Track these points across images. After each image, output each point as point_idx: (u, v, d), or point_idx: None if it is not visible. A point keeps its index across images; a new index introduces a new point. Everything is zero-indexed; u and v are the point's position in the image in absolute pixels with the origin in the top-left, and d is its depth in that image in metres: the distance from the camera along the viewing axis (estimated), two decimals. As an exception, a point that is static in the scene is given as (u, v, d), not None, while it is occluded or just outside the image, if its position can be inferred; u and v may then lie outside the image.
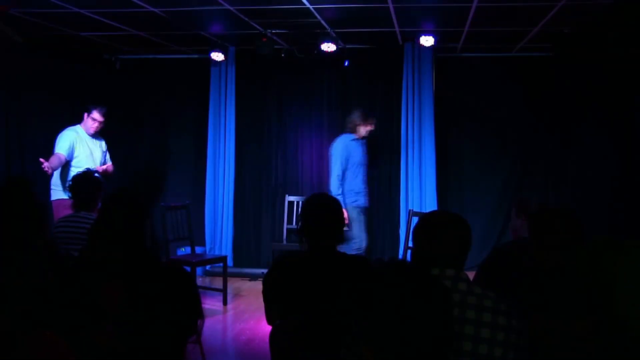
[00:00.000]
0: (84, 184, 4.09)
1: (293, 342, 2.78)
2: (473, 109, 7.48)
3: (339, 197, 6.31)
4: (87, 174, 4.30)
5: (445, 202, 7.32)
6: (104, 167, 6.29)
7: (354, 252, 5.83)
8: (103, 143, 6.45)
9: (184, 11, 5.69)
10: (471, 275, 2.47)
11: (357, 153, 6.52)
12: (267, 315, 2.92)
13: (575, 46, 6.62)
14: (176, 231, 6.63)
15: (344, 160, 6.42)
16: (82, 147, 6.15)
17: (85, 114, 6.19)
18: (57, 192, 5.95)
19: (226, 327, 5.75)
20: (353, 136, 6.50)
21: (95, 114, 6.17)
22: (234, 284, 7.04)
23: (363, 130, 6.48)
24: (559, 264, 2.51)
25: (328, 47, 6.65)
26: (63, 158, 5.96)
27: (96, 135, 6.32)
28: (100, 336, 2.23)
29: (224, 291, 6.29)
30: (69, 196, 4.24)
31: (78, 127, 6.22)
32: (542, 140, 7.35)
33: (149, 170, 8.08)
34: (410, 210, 6.74)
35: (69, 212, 4.13)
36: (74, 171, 5.44)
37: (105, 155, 6.45)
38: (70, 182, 4.23)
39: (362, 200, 6.52)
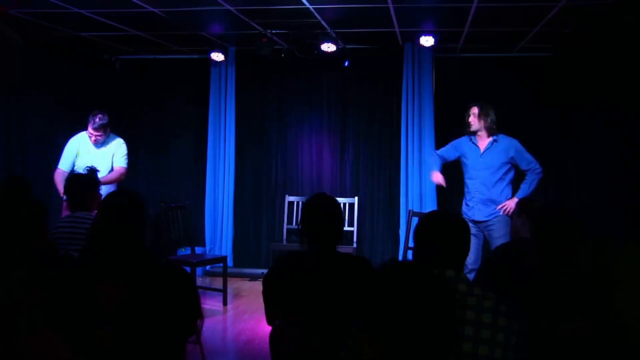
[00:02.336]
0: (78, 185, 4.05)
1: (293, 342, 2.78)
2: (473, 109, 7.47)
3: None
4: (81, 174, 4.28)
5: (445, 202, 7.31)
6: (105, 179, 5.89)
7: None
8: (115, 146, 6.11)
9: (184, 11, 5.69)
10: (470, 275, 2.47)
11: (471, 155, 5.71)
12: (267, 316, 2.92)
13: (576, 46, 6.62)
14: (176, 231, 6.63)
15: (454, 150, 5.86)
16: (83, 158, 5.93)
17: (88, 123, 5.95)
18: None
19: (226, 327, 5.75)
20: (472, 136, 5.74)
21: (89, 129, 5.90)
22: (234, 284, 7.04)
23: (470, 123, 5.71)
24: (560, 264, 2.51)
25: (328, 47, 6.64)
26: (64, 174, 5.75)
27: (110, 137, 6.08)
28: (100, 336, 2.23)
29: (224, 291, 6.29)
30: (64, 198, 4.22)
31: (84, 135, 6.01)
32: (542, 140, 7.34)
33: (149, 171, 8.07)
34: (410, 210, 6.74)
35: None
36: None
37: (113, 159, 6.10)
38: (65, 184, 4.20)
39: (469, 213, 5.67)
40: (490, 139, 5.67)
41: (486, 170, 5.65)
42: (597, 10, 5.34)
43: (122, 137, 6.32)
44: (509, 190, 5.65)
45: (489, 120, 5.66)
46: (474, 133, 5.71)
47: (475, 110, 5.68)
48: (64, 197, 4.16)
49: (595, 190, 7.06)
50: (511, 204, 5.47)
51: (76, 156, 5.99)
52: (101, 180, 5.98)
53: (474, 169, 5.69)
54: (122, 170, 6.12)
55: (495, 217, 5.56)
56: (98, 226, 3.01)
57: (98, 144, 6.00)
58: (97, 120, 5.88)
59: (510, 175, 5.69)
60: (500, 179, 5.64)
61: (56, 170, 5.96)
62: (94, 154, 5.99)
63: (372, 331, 1.38)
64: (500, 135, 5.69)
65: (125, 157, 6.17)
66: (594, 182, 7.09)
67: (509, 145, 5.66)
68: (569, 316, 2.42)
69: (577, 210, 2.64)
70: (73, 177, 4.20)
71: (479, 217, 5.61)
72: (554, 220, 2.57)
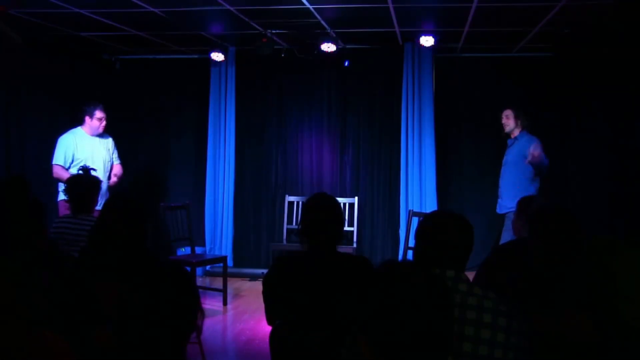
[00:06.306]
0: (79, 187, 4.03)
1: (293, 342, 2.78)
2: (473, 109, 7.48)
3: None
4: (82, 175, 4.26)
5: (445, 202, 7.31)
6: (110, 181, 6.21)
7: None
8: (109, 141, 6.35)
9: (184, 11, 5.69)
10: (471, 275, 2.47)
11: (507, 152, 6.15)
12: (267, 316, 2.92)
13: (575, 46, 6.62)
14: (176, 231, 6.63)
15: None
16: (82, 150, 6.06)
17: (87, 117, 6.10)
18: (62, 193, 5.96)
19: (226, 327, 5.75)
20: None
21: (99, 113, 6.11)
22: (234, 284, 7.03)
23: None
24: (559, 264, 2.51)
25: (328, 47, 6.65)
26: (60, 169, 5.97)
27: (102, 134, 6.25)
28: (100, 336, 2.23)
29: (224, 291, 6.29)
30: (65, 199, 4.21)
31: (78, 130, 6.15)
32: (541, 140, 7.35)
33: (149, 171, 8.07)
34: (410, 210, 6.74)
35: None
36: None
37: (112, 154, 6.36)
38: (66, 185, 4.18)
39: (498, 207, 6.15)
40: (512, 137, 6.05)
41: (504, 167, 6.07)
42: (596, 10, 5.34)
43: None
44: (521, 188, 5.72)
45: (518, 122, 6.07)
46: (508, 135, 6.14)
47: (503, 116, 6.13)
48: (65, 197, 4.15)
49: (595, 190, 7.06)
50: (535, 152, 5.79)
51: (75, 149, 6.06)
52: (111, 184, 6.13)
53: (504, 164, 6.13)
54: (121, 168, 6.44)
55: (508, 211, 5.82)
56: (99, 227, 3.00)
57: (100, 135, 6.23)
58: (100, 107, 6.14)
59: (528, 173, 5.92)
60: (513, 175, 5.96)
61: (54, 166, 6.02)
62: (92, 145, 6.16)
63: (371, 332, 1.38)
64: (522, 132, 6.01)
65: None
66: (594, 182, 7.09)
67: (528, 142, 5.92)
68: (568, 315, 2.42)
69: (576, 209, 2.64)
70: (74, 179, 4.18)
71: (498, 210, 6.05)
72: (550, 219, 2.57)
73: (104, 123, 6.18)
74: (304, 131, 7.76)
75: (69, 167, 5.99)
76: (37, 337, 1.79)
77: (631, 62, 6.73)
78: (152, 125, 8.06)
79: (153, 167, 8.10)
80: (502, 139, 7.59)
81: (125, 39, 6.95)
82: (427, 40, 6.65)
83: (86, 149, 6.11)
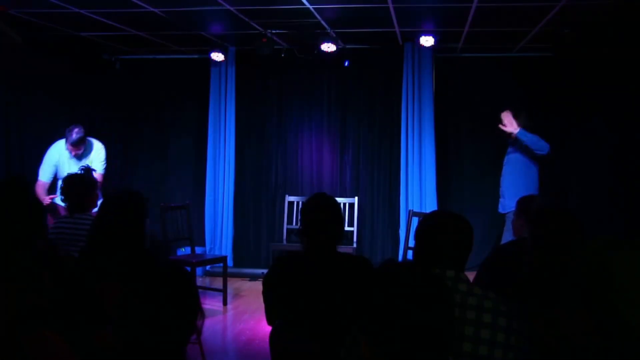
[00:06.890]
0: (75, 187, 4.02)
1: (293, 342, 2.78)
2: (473, 109, 7.48)
3: None
4: (81, 175, 4.26)
5: (445, 202, 7.31)
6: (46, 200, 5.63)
7: None
8: (95, 154, 6.04)
9: (184, 11, 5.69)
10: (471, 275, 2.47)
11: (509, 151, 6.13)
12: (267, 316, 2.92)
13: (575, 46, 6.62)
14: (176, 231, 6.63)
15: None
16: (64, 167, 5.85)
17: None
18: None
19: (226, 327, 5.75)
20: None
21: (68, 145, 5.84)
22: (234, 284, 7.04)
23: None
24: (558, 264, 2.51)
25: (328, 47, 6.65)
26: (45, 185, 5.85)
27: (88, 149, 6.00)
28: (100, 336, 2.23)
29: (224, 291, 6.29)
30: (61, 199, 4.19)
31: (62, 143, 5.93)
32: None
33: (149, 170, 8.07)
34: (410, 210, 6.74)
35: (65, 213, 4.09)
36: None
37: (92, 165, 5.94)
38: (62, 185, 4.17)
39: (500, 206, 6.12)
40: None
41: (505, 166, 6.11)
42: (597, 10, 5.34)
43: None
44: (522, 188, 5.63)
45: (517, 123, 6.01)
46: (509, 136, 6.07)
47: (504, 113, 6.08)
48: (61, 198, 4.14)
49: (595, 189, 7.06)
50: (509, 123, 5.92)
51: (57, 166, 5.92)
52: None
53: (504, 164, 6.13)
54: (99, 179, 5.87)
55: (509, 211, 5.76)
56: (98, 227, 3.00)
57: (78, 157, 5.93)
58: (74, 135, 5.80)
59: (529, 172, 5.90)
60: (514, 174, 5.96)
61: (37, 182, 5.89)
62: (72, 164, 5.86)
63: (371, 332, 1.38)
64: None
65: (104, 162, 6.12)
66: (594, 181, 7.09)
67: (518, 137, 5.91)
68: (569, 315, 2.42)
69: (576, 210, 2.64)
70: (70, 178, 4.17)
71: (500, 210, 6.06)
72: (550, 219, 2.57)
73: (73, 154, 5.87)
74: (304, 131, 7.76)
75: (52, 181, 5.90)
76: (37, 337, 1.79)
77: (631, 62, 6.73)
78: (152, 125, 8.06)
79: (153, 167, 8.09)
80: (502, 139, 7.57)
81: (125, 39, 6.95)
82: (427, 40, 6.65)
83: (68, 166, 5.82)
